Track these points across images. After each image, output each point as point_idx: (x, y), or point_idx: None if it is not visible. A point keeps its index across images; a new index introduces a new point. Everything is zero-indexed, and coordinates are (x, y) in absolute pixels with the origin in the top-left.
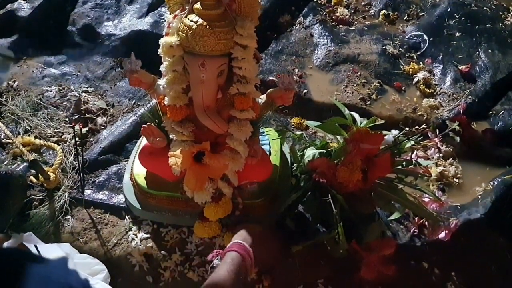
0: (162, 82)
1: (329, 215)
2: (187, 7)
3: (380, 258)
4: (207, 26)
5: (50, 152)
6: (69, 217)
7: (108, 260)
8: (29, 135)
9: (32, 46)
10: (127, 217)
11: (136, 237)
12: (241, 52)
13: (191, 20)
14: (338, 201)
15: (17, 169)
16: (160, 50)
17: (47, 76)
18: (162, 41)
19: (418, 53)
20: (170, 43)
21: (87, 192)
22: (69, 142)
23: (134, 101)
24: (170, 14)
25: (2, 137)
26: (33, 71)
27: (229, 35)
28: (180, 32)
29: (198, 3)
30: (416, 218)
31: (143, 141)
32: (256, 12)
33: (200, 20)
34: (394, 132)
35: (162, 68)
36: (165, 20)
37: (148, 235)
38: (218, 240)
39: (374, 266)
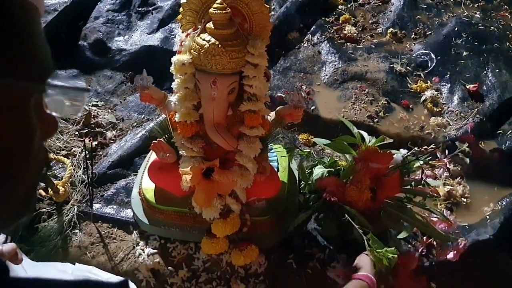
0: (173, 98)
1: (349, 235)
2: (199, 26)
3: (409, 275)
4: (219, 45)
5: (60, 166)
6: (77, 231)
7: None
8: None
9: None
10: (134, 231)
11: (143, 252)
12: (252, 71)
13: (204, 39)
14: (356, 217)
15: None
16: (172, 68)
17: None
18: (174, 59)
19: (426, 71)
20: (182, 61)
21: (96, 206)
22: (78, 155)
23: (143, 115)
24: (183, 32)
25: None
26: None
27: (240, 54)
28: (192, 51)
29: (211, 22)
30: (425, 238)
31: (152, 156)
32: (267, 31)
33: (213, 39)
34: (403, 151)
35: (174, 85)
36: (175, 36)
37: (155, 251)
38: (225, 257)
39: (407, 284)
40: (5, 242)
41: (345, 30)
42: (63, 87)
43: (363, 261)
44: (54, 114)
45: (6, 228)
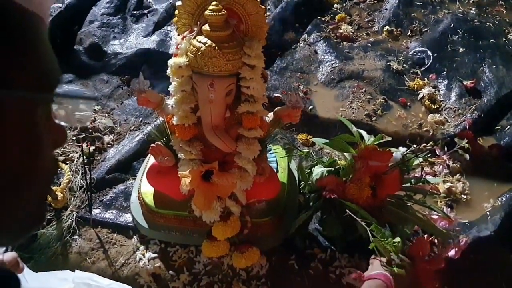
0: (170, 101)
1: (352, 234)
2: (195, 28)
3: (426, 260)
4: (216, 47)
5: (58, 172)
6: (76, 237)
7: (116, 281)
8: None
9: None
10: (134, 236)
11: (144, 256)
12: (249, 72)
13: (200, 41)
14: (358, 212)
15: None
16: (169, 71)
17: None
18: (171, 61)
19: (423, 68)
20: (179, 64)
21: (95, 211)
22: (76, 161)
23: (141, 119)
24: (179, 35)
25: None
26: None
27: (237, 56)
28: (188, 53)
29: (207, 24)
30: (425, 236)
31: (150, 160)
32: (263, 32)
33: (209, 42)
34: (402, 149)
35: (171, 88)
36: (171, 39)
37: (155, 255)
38: (226, 260)
39: (428, 271)
40: (6, 251)
41: (341, 29)
42: (71, 96)
43: (375, 262)
44: (62, 123)
45: (19, 239)
